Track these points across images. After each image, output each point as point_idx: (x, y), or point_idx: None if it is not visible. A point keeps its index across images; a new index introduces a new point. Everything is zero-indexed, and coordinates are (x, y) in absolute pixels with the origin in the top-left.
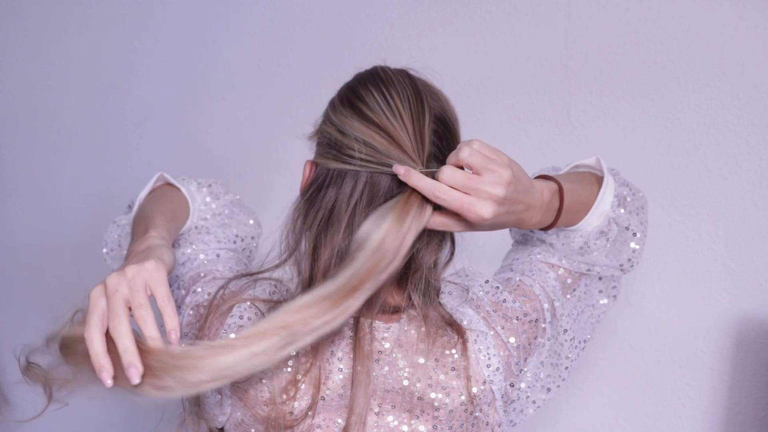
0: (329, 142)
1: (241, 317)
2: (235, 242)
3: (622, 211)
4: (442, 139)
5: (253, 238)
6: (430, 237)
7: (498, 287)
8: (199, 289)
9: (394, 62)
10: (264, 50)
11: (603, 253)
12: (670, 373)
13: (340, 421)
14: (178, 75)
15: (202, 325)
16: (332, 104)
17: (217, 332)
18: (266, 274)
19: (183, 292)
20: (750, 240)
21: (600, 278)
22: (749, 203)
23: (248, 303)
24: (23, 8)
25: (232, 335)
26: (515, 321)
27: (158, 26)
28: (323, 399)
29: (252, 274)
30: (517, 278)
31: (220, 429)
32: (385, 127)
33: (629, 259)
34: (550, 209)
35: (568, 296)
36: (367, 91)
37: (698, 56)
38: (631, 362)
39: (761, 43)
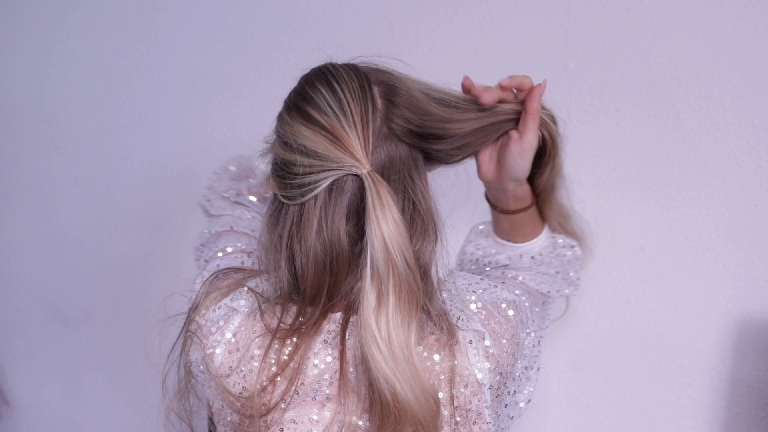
0: (276, 161)
1: (232, 299)
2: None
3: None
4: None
5: None
6: (423, 226)
7: (492, 292)
8: (230, 256)
9: (394, 62)
10: (264, 50)
11: (550, 265)
12: (670, 373)
13: (315, 417)
14: (178, 75)
15: (204, 293)
16: (279, 116)
17: (212, 304)
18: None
19: (217, 248)
20: (750, 240)
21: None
22: (749, 203)
23: (246, 289)
24: (23, 8)
25: (235, 323)
26: (508, 325)
27: (158, 26)
28: (297, 393)
29: (250, 270)
30: (500, 285)
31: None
32: (332, 127)
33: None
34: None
35: (537, 309)
36: (315, 90)
37: (698, 56)
38: (631, 362)
39: (761, 43)
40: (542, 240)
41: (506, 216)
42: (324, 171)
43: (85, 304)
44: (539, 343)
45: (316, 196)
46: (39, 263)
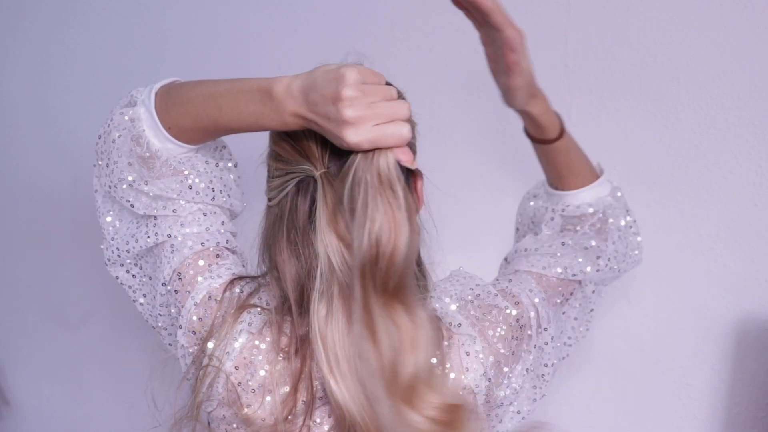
0: (267, 165)
1: (250, 324)
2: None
3: (614, 203)
4: None
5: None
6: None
7: (489, 292)
8: (216, 276)
9: (395, 62)
10: (264, 50)
11: (591, 232)
12: (670, 373)
13: (317, 420)
14: (179, 75)
15: (214, 322)
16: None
17: (228, 336)
18: (264, 280)
19: (190, 262)
20: (750, 240)
21: (583, 296)
22: (749, 203)
23: (258, 309)
24: (24, 9)
25: (241, 340)
26: (505, 327)
27: (159, 27)
28: (303, 402)
29: (254, 277)
30: (504, 285)
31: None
32: (296, 135)
33: (599, 257)
34: (551, 113)
35: (556, 307)
36: None
37: (698, 56)
38: (631, 362)
39: (761, 43)
40: (591, 191)
41: (542, 150)
42: (288, 174)
43: (85, 304)
44: (552, 339)
45: (288, 198)
46: (39, 263)
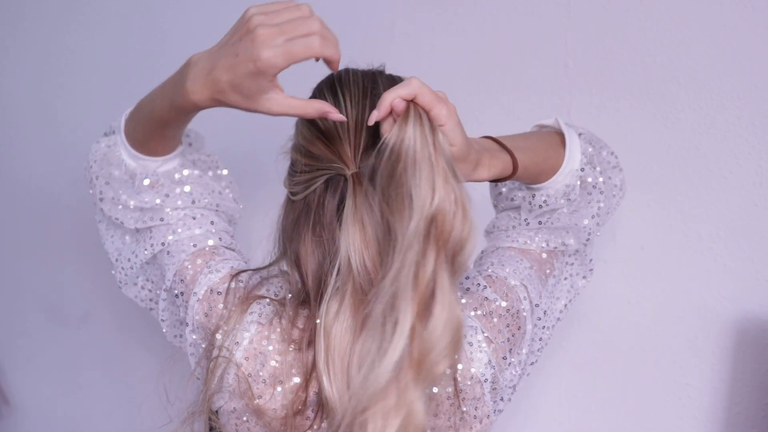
0: (290, 159)
1: (260, 315)
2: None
3: (590, 168)
4: None
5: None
6: None
7: (479, 284)
8: (215, 270)
9: (395, 62)
10: None
11: (568, 211)
12: (670, 373)
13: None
14: None
15: (221, 313)
16: (296, 121)
17: (237, 327)
18: (270, 272)
19: (188, 264)
20: (750, 240)
21: (576, 251)
22: (749, 203)
23: (267, 300)
24: (24, 9)
25: (251, 331)
26: (496, 319)
27: (160, 27)
28: (315, 393)
29: (256, 269)
30: (490, 271)
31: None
32: (327, 130)
33: (593, 216)
34: (496, 155)
35: (545, 279)
36: (322, 96)
37: (698, 56)
38: (631, 362)
39: (761, 43)
40: (564, 171)
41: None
42: (318, 170)
43: (85, 304)
44: (545, 314)
45: (316, 194)
46: (39, 263)
